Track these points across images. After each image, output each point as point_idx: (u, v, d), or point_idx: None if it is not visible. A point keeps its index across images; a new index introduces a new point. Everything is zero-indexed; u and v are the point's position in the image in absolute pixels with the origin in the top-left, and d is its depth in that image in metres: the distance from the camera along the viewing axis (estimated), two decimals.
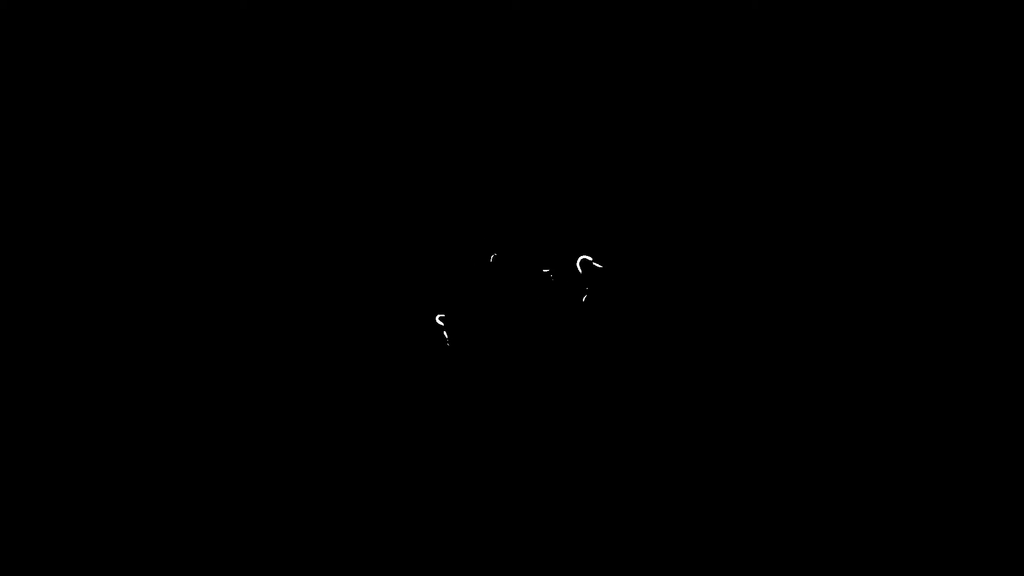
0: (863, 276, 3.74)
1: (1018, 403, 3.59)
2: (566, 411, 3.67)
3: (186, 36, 3.89)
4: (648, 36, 3.91)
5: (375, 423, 3.70)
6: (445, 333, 3.69)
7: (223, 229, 3.82)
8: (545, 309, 3.71)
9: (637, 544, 3.55)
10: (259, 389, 3.72)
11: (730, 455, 3.62)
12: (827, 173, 3.81)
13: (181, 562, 3.56)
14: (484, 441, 3.66)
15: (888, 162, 3.81)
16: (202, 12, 3.88)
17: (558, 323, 3.70)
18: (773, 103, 3.86)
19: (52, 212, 3.81)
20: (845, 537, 3.52)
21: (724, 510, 3.57)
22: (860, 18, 3.85)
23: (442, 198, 3.87)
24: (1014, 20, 3.79)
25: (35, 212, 3.80)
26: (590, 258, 3.72)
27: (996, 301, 3.68)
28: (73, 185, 3.83)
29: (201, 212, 3.84)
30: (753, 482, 3.59)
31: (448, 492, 3.62)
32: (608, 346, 3.72)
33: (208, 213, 3.83)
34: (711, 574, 3.50)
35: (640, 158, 3.87)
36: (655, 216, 3.83)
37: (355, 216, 3.85)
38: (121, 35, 3.88)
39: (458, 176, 3.88)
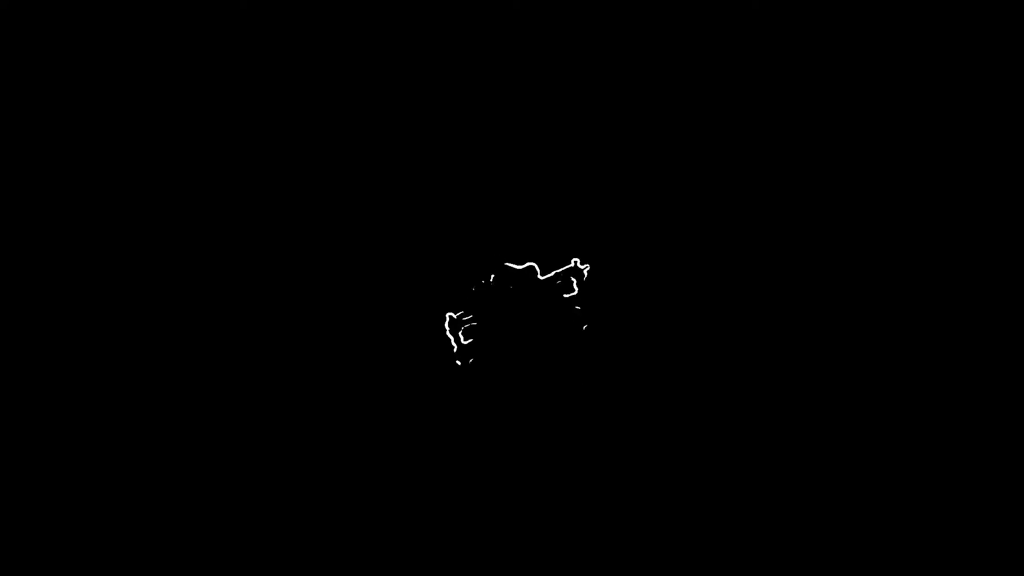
0: (862, 277, 3.74)
1: (1018, 403, 3.60)
2: (567, 414, 3.68)
3: (186, 36, 3.89)
4: (648, 37, 3.91)
5: (378, 426, 3.70)
6: (450, 336, 3.69)
7: (227, 233, 3.83)
8: (547, 313, 3.71)
9: (637, 544, 3.55)
10: (262, 392, 3.72)
11: (730, 456, 3.62)
12: (826, 175, 3.82)
13: (181, 562, 3.56)
14: (487, 443, 3.66)
15: (888, 162, 3.81)
16: (202, 12, 3.89)
17: (560, 327, 3.71)
18: (772, 104, 3.86)
19: (52, 212, 3.81)
20: (845, 537, 3.52)
21: (724, 511, 3.57)
22: (860, 18, 3.86)
23: (444, 201, 3.87)
24: (1014, 20, 3.80)
25: (35, 212, 3.80)
26: (583, 265, 3.72)
27: (996, 301, 3.69)
28: (73, 185, 3.83)
29: (203, 215, 3.84)
30: (753, 483, 3.59)
31: (450, 494, 3.63)
32: (609, 349, 3.72)
33: (211, 217, 3.84)
34: (711, 574, 3.51)
35: (641, 161, 3.87)
36: (655, 220, 3.83)
37: (358, 219, 3.85)
38: (121, 35, 3.89)
39: (460, 179, 3.89)
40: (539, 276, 3.71)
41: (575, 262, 3.73)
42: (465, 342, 3.68)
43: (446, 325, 3.68)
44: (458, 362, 3.67)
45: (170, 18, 3.89)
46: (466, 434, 3.67)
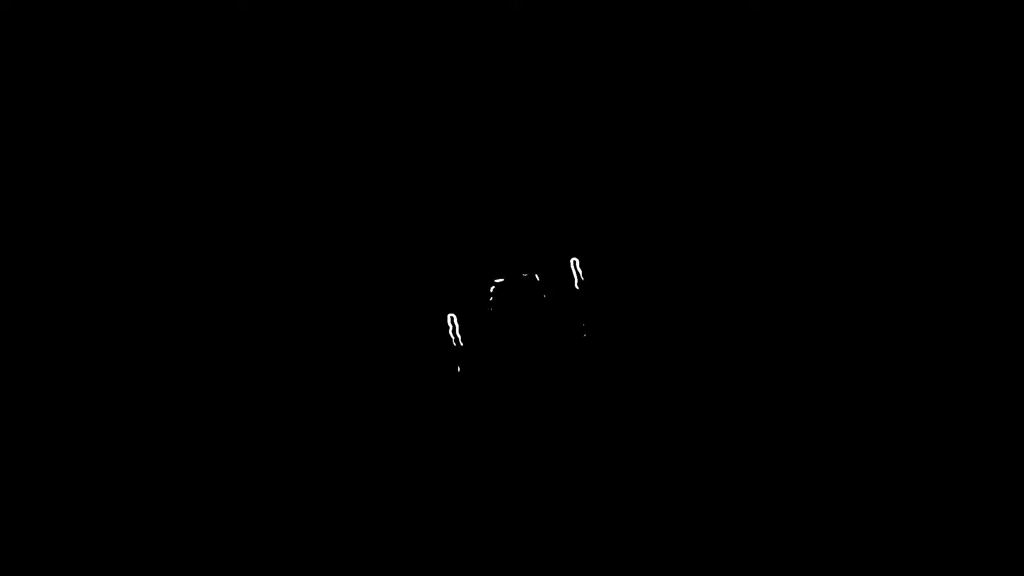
0: (862, 277, 3.74)
1: (1018, 403, 3.60)
2: (567, 413, 3.68)
3: (186, 36, 3.89)
4: (648, 38, 3.91)
5: (379, 425, 3.71)
6: (452, 335, 3.69)
7: (231, 236, 3.83)
8: (548, 312, 3.71)
9: (637, 544, 3.56)
10: (266, 391, 3.72)
11: (730, 456, 3.63)
12: (826, 175, 3.82)
13: (181, 562, 3.57)
14: (487, 442, 3.67)
15: (888, 162, 3.81)
16: (202, 12, 3.88)
17: (560, 327, 3.71)
18: (772, 105, 3.86)
19: (52, 212, 3.81)
20: (845, 537, 3.53)
21: (724, 510, 3.57)
22: (860, 19, 3.86)
23: (445, 201, 3.87)
24: (1014, 20, 3.80)
25: (35, 212, 3.80)
26: (579, 266, 3.72)
27: (996, 301, 3.69)
28: (73, 185, 3.83)
29: (205, 216, 3.84)
30: (753, 482, 3.60)
31: (449, 493, 3.63)
32: (609, 349, 3.73)
33: (217, 220, 3.84)
34: (711, 574, 3.51)
35: (641, 161, 3.87)
36: (655, 220, 3.83)
37: (360, 220, 3.86)
38: (121, 35, 3.88)
39: (461, 179, 3.89)
40: (542, 285, 3.71)
41: (574, 262, 3.73)
42: (467, 343, 3.69)
43: (449, 327, 3.68)
44: (459, 366, 3.68)
45: (170, 19, 3.89)
46: (467, 434, 3.67)
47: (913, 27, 3.84)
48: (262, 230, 3.83)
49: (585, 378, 3.69)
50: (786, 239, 3.79)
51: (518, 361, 3.68)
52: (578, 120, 3.89)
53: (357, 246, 3.84)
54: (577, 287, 3.71)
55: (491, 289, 3.63)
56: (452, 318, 3.65)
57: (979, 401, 3.62)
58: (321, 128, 3.88)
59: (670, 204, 3.83)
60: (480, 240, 3.85)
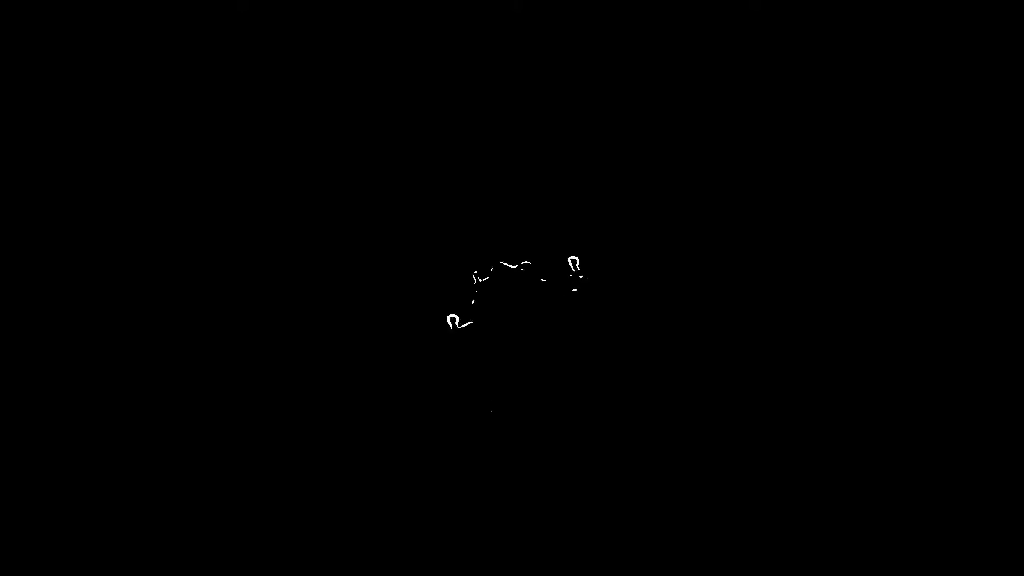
0: (862, 277, 3.75)
1: (1018, 403, 3.60)
2: (566, 411, 3.68)
3: (186, 36, 3.89)
4: (648, 37, 3.91)
5: (377, 424, 3.71)
6: (450, 333, 3.69)
7: (229, 234, 3.83)
8: (547, 311, 3.71)
9: (636, 544, 3.56)
10: (264, 393, 3.72)
11: (729, 455, 3.63)
12: (826, 175, 3.82)
13: (181, 562, 3.57)
14: (486, 441, 3.67)
15: (888, 162, 3.81)
16: (202, 13, 3.89)
17: (560, 325, 3.71)
18: (772, 105, 3.86)
19: (52, 212, 3.81)
20: (845, 537, 3.53)
21: (723, 510, 3.57)
22: (860, 19, 3.86)
23: (444, 200, 3.88)
24: (1014, 20, 3.80)
25: (35, 212, 3.81)
26: (578, 263, 3.72)
27: (996, 301, 3.69)
28: (73, 185, 3.83)
29: (206, 216, 3.84)
30: (752, 482, 3.60)
31: (449, 492, 3.63)
32: (608, 347, 3.73)
33: (214, 218, 3.84)
34: (711, 574, 3.51)
35: (640, 160, 3.87)
36: (653, 219, 3.84)
37: (359, 219, 3.86)
38: (121, 35, 3.89)
39: (460, 178, 3.89)
40: (539, 275, 3.71)
41: (574, 261, 3.73)
42: (466, 339, 3.69)
43: (449, 325, 3.68)
44: (459, 365, 3.68)
45: (170, 18, 3.89)
46: (467, 433, 3.67)
47: (913, 27, 3.84)
48: (261, 229, 3.84)
49: (584, 377, 3.70)
50: (785, 238, 3.79)
51: (517, 360, 3.68)
52: (578, 119, 3.89)
53: (356, 245, 3.84)
54: (576, 285, 3.71)
55: (483, 284, 3.64)
56: (453, 318, 3.66)
57: (979, 401, 3.62)
58: (321, 127, 3.89)
59: (669, 203, 3.83)
60: (479, 239, 3.85)
